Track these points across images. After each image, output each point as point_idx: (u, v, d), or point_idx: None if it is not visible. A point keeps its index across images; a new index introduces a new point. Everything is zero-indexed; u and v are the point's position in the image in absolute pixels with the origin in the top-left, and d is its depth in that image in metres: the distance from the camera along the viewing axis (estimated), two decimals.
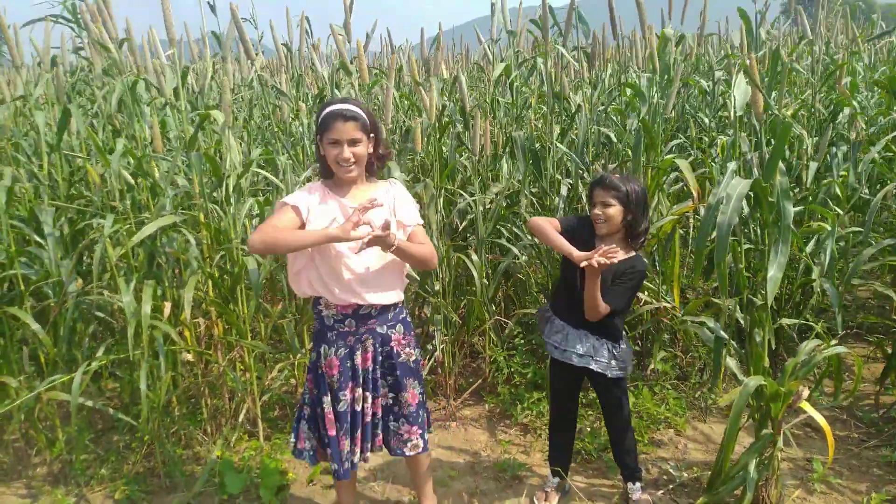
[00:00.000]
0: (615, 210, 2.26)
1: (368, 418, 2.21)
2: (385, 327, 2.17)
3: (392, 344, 2.18)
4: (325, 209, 2.07)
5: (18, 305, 2.71)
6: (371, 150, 2.10)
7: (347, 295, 2.08)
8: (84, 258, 3.03)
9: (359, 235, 1.90)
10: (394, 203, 2.15)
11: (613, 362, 2.34)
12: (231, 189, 2.71)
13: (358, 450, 2.20)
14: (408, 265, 2.21)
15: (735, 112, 2.28)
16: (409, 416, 2.23)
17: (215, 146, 2.97)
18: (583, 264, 2.10)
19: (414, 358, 2.24)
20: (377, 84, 3.57)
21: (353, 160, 2.03)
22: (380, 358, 2.19)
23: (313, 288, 2.12)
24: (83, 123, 2.94)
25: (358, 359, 2.16)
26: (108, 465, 2.80)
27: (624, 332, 2.43)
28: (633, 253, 2.32)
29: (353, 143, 2.02)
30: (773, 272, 2.11)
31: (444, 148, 3.34)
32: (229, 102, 2.62)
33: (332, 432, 2.16)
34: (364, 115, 2.04)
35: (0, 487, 2.76)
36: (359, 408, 2.18)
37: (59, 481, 2.76)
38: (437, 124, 3.15)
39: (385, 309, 2.16)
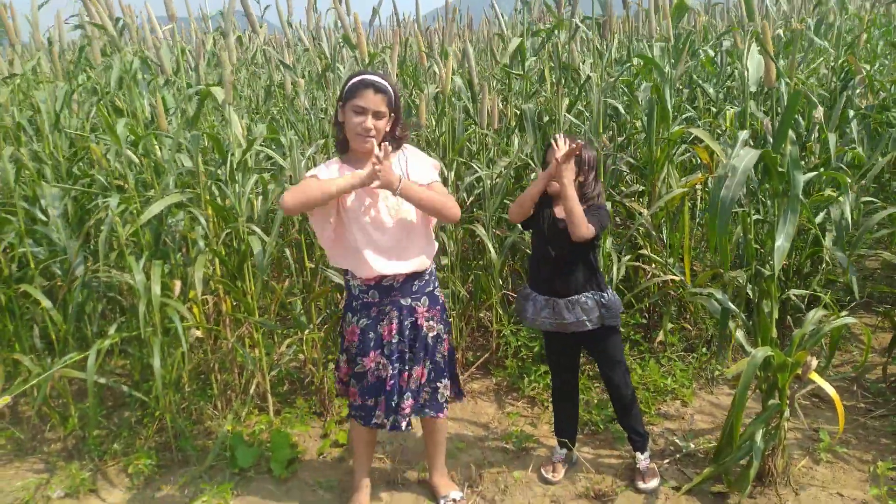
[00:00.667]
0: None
1: (389, 387, 2.20)
2: (409, 299, 2.18)
3: (416, 316, 2.20)
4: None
5: (28, 284, 2.74)
6: (388, 129, 2.10)
7: (368, 269, 2.11)
8: (91, 237, 3.04)
9: (372, 175, 1.93)
10: (407, 166, 2.15)
11: (604, 311, 2.36)
12: (235, 166, 2.70)
13: (381, 412, 2.22)
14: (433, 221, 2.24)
15: (748, 86, 2.23)
16: (417, 389, 2.25)
17: (210, 127, 2.94)
18: (559, 157, 2.18)
19: (434, 333, 2.24)
20: (376, 58, 3.52)
21: (373, 132, 2.03)
22: (406, 331, 2.19)
23: (346, 260, 2.17)
24: (85, 102, 2.93)
25: (382, 329, 2.18)
26: (121, 441, 2.84)
27: (604, 281, 2.46)
28: (585, 203, 2.33)
29: (378, 115, 2.03)
30: (781, 242, 2.09)
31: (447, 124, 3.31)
32: (230, 78, 2.59)
33: (345, 379, 2.28)
34: (392, 92, 2.05)
35: (16, 462, 2.81)
36: (384, 374, 2.20)
37: (73, 456, 2.80)
38: (450, 97, 3.13)
39: (409, 280, 2.16)
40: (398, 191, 2.00)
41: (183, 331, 2.59)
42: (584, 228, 2.23)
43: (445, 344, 2.30)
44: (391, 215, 2.11)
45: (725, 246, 2.10)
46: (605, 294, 2.39)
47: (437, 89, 3.22)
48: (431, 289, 2.25)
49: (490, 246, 3.16)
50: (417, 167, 2.17)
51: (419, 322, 2.21)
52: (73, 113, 3.17)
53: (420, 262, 2.18)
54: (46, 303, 2.65)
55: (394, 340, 2.19)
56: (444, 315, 2.30)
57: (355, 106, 2.02)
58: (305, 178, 2.10)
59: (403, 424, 2.21)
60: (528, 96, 3.72)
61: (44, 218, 2.76)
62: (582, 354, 2.60)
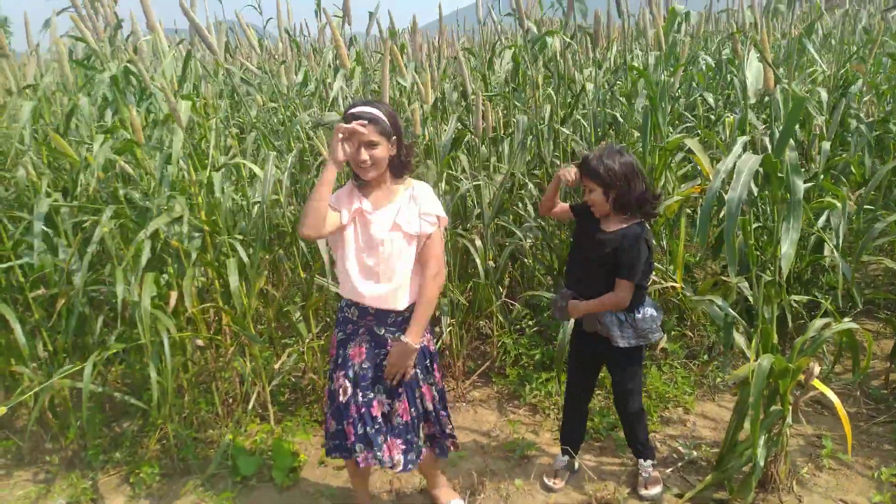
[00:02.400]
0: (597, 195, 2.27)
1: (359, 414, 2.10)
2: (383, 329, 2.12)
3: (388, 348, 2.12)
4: (347, 200, 2.10)
5: (25, 294, 2.73)
6: (394, 153, 2.08)
7: (350, 293, 2.12)
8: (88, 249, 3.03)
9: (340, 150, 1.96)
10: (398, 210, 2.09)
11: (629, 331, 2.30)
12: (215, 180, 2.69)
13: (360, 446, 2.11)
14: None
15: (748, 95, 2.25)
16: (397, 428, 2.15)
17: (200, 138, 2.92)
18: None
19: (410, 373, 2.14)
20: (355, 70, 3.52)
21: (369, 162, 2.03)
22: (377, 360, 2.13)
23: (339, 273, 2.18)
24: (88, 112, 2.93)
25: (352, 350, 2.13)
26: (122, 450, 2.84)
27: (647, 299, 2.37)
28: (625, 225, 2.29)
29: (371, 145, 2.01)
30: (787, 248, 2.08)
31: (442, 133, 3.32)
32: (175, 106, 2.55)
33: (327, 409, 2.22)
34: (384, 119, 2.02)
35: (17, 472, 2.80)
36: (343, 399, 2.11)
37: (74, 466, 2.80)
38: (432, 111, 3.14)
39: (383, 312, 2.12)
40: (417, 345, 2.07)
41: (177, 340, 2.58)
42: (615, 305, 2.28)
43: (427, 391, 2.20)
44: (381, 245, 2.08)
45: (734, 247, 2.08)
46: (635, 314, 2.31)
47: (421, 104, 3.23)
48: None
49: (478, 261, 3.14)
50: (407, 215, 2.09)
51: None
52: (80, 124, 3.15)
53: (400, 302, 2.10)
54: (18, 329, 2.61)
55: (365, 366, 2.12)
56: (426, 361, 2.19)
57: (349, 140, 2.02)
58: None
59: (396, 461, 2.13)
60: (525, 104, 3.73)
61: (46, 230, 2.75)
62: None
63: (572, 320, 2.54)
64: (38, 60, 3.34)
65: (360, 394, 2.11)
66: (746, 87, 2.32)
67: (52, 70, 3.14)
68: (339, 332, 2.20)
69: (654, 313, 2.35)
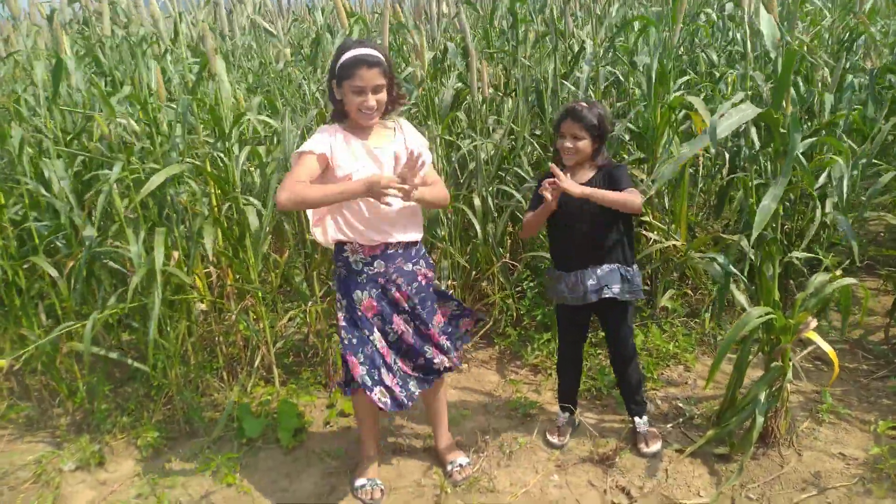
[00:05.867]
0: (585, 143, 2.32)
1: (418, 346, 2.27)
2: (410, 265, 2.23)
3: (419, 279, 2.25)
4: (351, 151, 2.07)
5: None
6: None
7: (376, 234, 2.12)
8: (93, 210, 3.03)
9: (390, 193, 1.92)
10: (404, 143, 2.16)
11: (627, 285, 2.39)
12: (228, 134, 2.67)
13: (414, 374, 2.28)
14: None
15: (764, 46, 2.19)
16: (439, 336, 2.29)
17: (204, 95, 2.89)
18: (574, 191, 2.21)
19: (433, 284, 2.35)
20: (354, 26, 3.45)
21: (376, 108, 2.02)
22: (412, 293, 2.23)
23: (343, 232, 2.15)
24: (82, 76, 2.90)
25: (392, 295, 2.21)
26: (129, 414, 2.87)
27: (633, 255, 2.46)
28: (596, 169, 2.39)
29: (377, 89, 2.01)
30: (767, 201, 2.06)
31: (442, 91, 3.27)
32: (213, 48, 2.55)
33: (390, 360, 2.21)
34: (384, 60, 2.02)
35: (27, 437, 2.84)
36: (407, 337, 2.25)
37: (82, 430, 2.83)
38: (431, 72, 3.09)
39: (409, 246, 2.21)
40: (414, 199, 2.02)
41: (181, 303, 2.59)
42: (635, 203, 2.27)
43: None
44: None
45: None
46: (631, 268, 2.41)
47: (416, 66, 3.17)
48: (424, 251, 2.31)
49: (477, 224, 3.13)
50: (415, 143, 2.18)
51: (422, 283, 2.26)
52: (72, 88, 3.11)
53: (420, 231, 2.25)
54: (53, 272, 2.65)
55: (405, 306, 2.23)
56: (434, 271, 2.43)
57: (353, 86, 1.99)
58: (297, 155, 2.05)
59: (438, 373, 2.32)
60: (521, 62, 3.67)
61: (46, 193, 2.75)
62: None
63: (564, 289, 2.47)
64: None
65: (412, 325, 2.25)
66: (750, 43, 2.28)
67: (39, 34, 3.09)
68: (370, 291, 2.18)
69: (638, 270, 2.48)
